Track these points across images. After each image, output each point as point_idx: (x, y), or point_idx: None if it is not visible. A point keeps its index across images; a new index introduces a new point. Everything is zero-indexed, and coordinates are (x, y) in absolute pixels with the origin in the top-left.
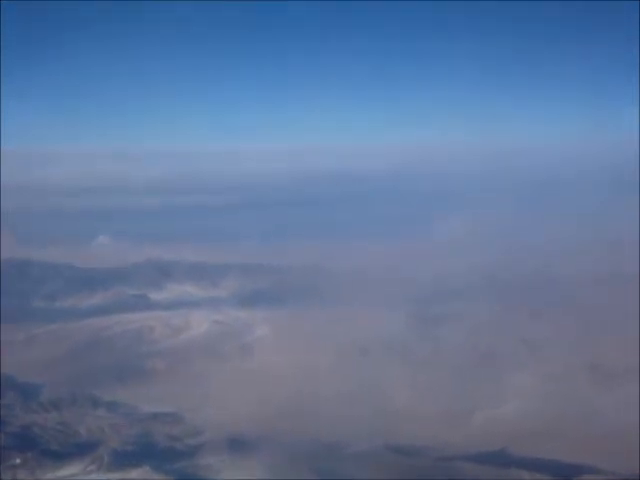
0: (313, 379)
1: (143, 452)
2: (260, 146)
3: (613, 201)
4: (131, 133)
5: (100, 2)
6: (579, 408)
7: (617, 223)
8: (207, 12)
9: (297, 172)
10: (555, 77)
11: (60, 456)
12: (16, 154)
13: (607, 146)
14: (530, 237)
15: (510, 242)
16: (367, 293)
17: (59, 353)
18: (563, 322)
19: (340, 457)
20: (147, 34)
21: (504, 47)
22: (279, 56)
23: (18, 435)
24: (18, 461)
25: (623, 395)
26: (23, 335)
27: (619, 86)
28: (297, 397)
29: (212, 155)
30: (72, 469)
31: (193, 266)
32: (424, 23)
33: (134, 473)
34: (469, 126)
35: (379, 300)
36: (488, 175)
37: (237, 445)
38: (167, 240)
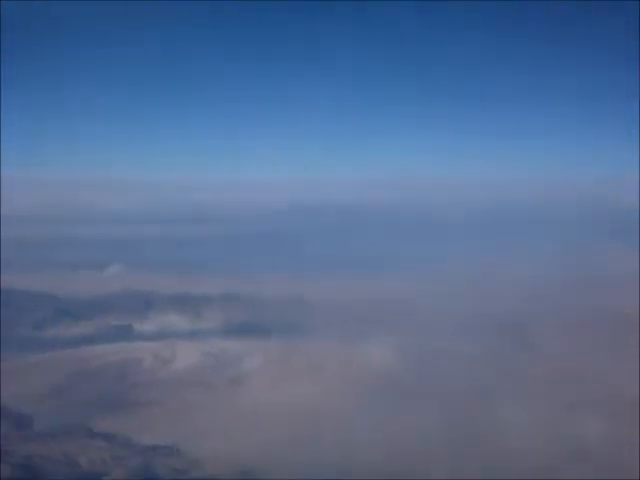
0: (308, 412)
1: None
2: (244, 178)
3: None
4: (101, 160)
5: None
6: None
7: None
8: None
9: (281, 204)
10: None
11: None
12: None
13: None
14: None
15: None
16: (353, 327)
17: (49, 383)
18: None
19: None
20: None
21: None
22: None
23: (21, 466)
24: None
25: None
26: (9, 365)
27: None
28: (294, 430)
29: (195, 186)
30: None
31: (176, 296)
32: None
33: None
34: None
35: (364, 334)
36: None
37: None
38: (148, 270)
